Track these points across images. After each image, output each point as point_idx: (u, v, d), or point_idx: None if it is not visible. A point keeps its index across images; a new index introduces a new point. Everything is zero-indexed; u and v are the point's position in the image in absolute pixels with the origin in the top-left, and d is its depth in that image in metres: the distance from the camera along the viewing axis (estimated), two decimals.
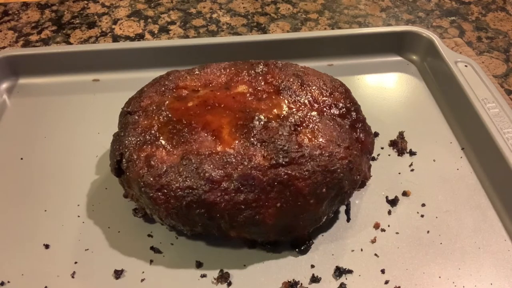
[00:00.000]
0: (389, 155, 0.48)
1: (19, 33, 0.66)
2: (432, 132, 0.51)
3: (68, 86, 0.56)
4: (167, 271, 0.39)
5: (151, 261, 0.39)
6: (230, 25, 0.68)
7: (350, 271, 0.39)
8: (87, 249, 0.40)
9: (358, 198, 0.44)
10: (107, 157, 0.42)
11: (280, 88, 0.42)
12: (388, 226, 0.42)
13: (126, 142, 0.39)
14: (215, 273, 0.38)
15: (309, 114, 0.40)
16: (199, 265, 0.39)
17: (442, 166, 0.47)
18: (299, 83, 0.43)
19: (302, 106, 0.40)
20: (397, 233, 0.41)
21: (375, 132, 0.50)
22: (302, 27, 0.68)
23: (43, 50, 0.58)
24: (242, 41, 0.58)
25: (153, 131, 0.39)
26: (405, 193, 0.45)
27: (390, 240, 0.41)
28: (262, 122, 0.38)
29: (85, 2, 0.73)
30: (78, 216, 0.43)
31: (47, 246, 0.40)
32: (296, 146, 0.37)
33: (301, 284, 0.38)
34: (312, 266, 0.39)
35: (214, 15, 0.70)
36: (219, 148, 0.37)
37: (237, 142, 0.37)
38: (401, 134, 0.50)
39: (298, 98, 0.41)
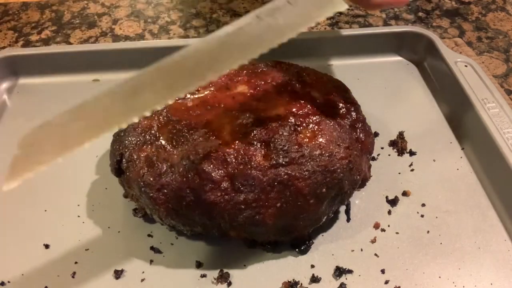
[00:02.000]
0: (389, 155, 0.48)
1: (19, 33, 0.66)
2: (432, 132, 0.51)
3: (68, 86, 0.56)
4: (167, 271, 0.39)
5: (151, 261, 0.39)
6: None
7: (350, 271, 0.39)
8: (87, 249, 0.40)
9: (358, 198, 0.44)
10: (107, 157, 0.42)
11: (280, 88, 0.42)
12: (388, 226, 0.42)
13: (126, 142, 0.39)
14: (215, 273, 0.38)
15: (309, 114, 0.40)
16: (199, 265, 0.39)
17: (442, 166, 0.47)
18: (299, 83, 0.43)
19: (302, 106, 0.40)
20: (397, 233, 0.41)
21: (375, 132, 0.50)
22: None
23: (43, 50, 0.58)
24: None
25: (153, 131, 0.39)
26: (405, 193, 0.45)
27: (390, 240, 0.41)
28: (262, 122, 0.38)
29: (85, 2, 0.73)
30: (78, 216, 0.43)
31: (47, 246, 0.40)
32: (296, 146, 0.37)
33: (301, 284, 0.38)
34: (312, 266, 0.39)
35: (214, 15, 0.70)
36: (219, 148, 0.37)
37: (237, 142, 0.37)
38: (401, 134, 0.50)
39: (298, 98, 0.41)
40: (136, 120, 0.30)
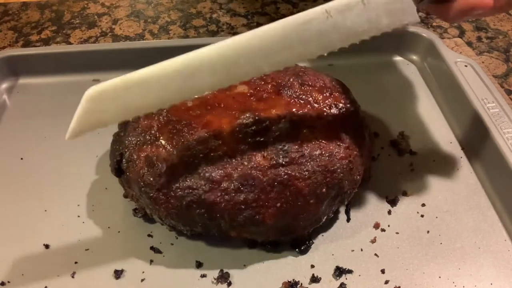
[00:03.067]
0: (389, 155, 0.48)
1: (19, 33, 0.66)
2: (432, 132, 0.51)
3: (68, 86, 0.56)
4: (167, 271, 0.39)
5: (151, 261, 0.39)
6: (230, 25, 0.68)
7: (350, 271, 0.39)
8: (87, 249, 0.40)
9: (358, 198, 0.44)
10: (107, 157, 0.42)
11: (280, 88, 0.42)
12: (388, 226, 0.42)
13: (126, 142, 0.39)
14: (215, 273, 0.38)
15: (309, 114, 0.40)
16: (199, 265, 0.39)
17: (442, 166, 0.47)
18: (299, 83, 0.43)
19: (302, 106, 0.40)
20: (397, 233, 0.41)
21: (375, 132, 0.50)
22: None
23: (43, 50, 0.58)
24: None
25: (153, 131, 0.39)
26: (405, 193, 0.45)
27: (390, 240, 0.41)
28: (262, 122, 0.38)
29: (85, 2, 0.73)
30: (78, 216, 0.43)
31: (47, 246, 0.40)
32: (296, 146, 0.37)
33: (301, 284, 0.38)
34: (312, 266, 0.39)
35: (214, 15, 0.70)
36: (219, 148, 0.37)
37: (237, 142, 0.37)
38: (401, 134, 0.50)
39: (298, 98, 0.41)
40: (190, 99, 0.33)
